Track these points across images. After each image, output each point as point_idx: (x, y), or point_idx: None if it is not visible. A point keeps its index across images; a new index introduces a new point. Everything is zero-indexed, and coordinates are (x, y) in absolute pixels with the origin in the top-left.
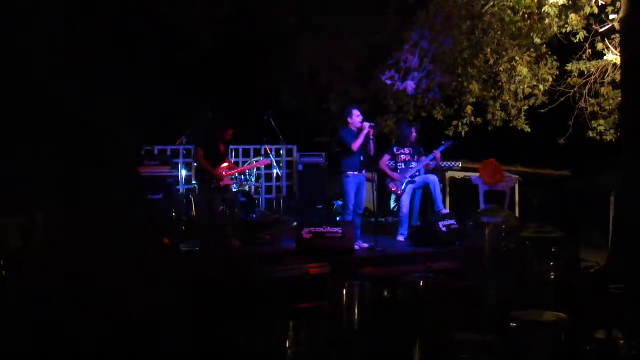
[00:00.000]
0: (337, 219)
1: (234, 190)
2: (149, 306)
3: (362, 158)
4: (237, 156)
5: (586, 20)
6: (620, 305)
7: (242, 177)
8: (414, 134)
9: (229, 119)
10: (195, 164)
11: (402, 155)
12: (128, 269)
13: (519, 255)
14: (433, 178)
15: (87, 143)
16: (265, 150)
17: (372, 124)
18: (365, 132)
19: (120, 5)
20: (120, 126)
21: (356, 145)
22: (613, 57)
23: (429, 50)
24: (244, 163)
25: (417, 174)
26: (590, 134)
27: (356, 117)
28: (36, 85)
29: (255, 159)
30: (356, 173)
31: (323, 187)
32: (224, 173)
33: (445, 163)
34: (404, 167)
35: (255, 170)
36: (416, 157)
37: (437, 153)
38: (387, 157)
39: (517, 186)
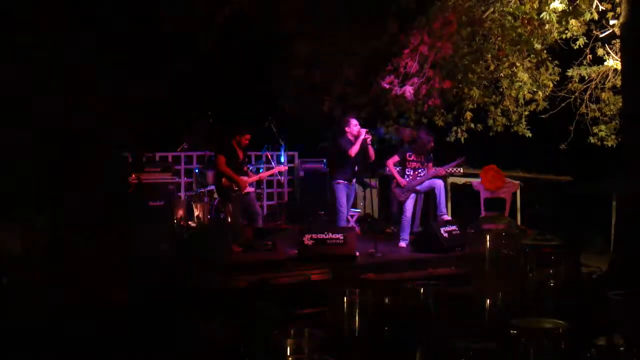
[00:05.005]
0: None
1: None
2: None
3: (355, 167)
4: None
5: (586, 26)
6: (621, 312)
7: None
8: (431, 143)
9: (235, 124)
10: (213, 172)
11: (413, 162)
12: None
13: (519, 262)
14: (439, 183)
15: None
16: (267, 156)
17: (368, 130)
18: (362, 138)
19: (118, 9)
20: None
21: (353, 150)
22: (613, 62)
23: (429, 56)
24: None
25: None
26: (591, 139)
27: (354, 126)
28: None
29: (264, 166)
30: (346, 182)
31: (324, 193)
32: (246, 183)
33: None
34: (412, 173)
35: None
36: (426, 164)
37: (442, 170)
38: (396, 157)
39: (518, 192)
